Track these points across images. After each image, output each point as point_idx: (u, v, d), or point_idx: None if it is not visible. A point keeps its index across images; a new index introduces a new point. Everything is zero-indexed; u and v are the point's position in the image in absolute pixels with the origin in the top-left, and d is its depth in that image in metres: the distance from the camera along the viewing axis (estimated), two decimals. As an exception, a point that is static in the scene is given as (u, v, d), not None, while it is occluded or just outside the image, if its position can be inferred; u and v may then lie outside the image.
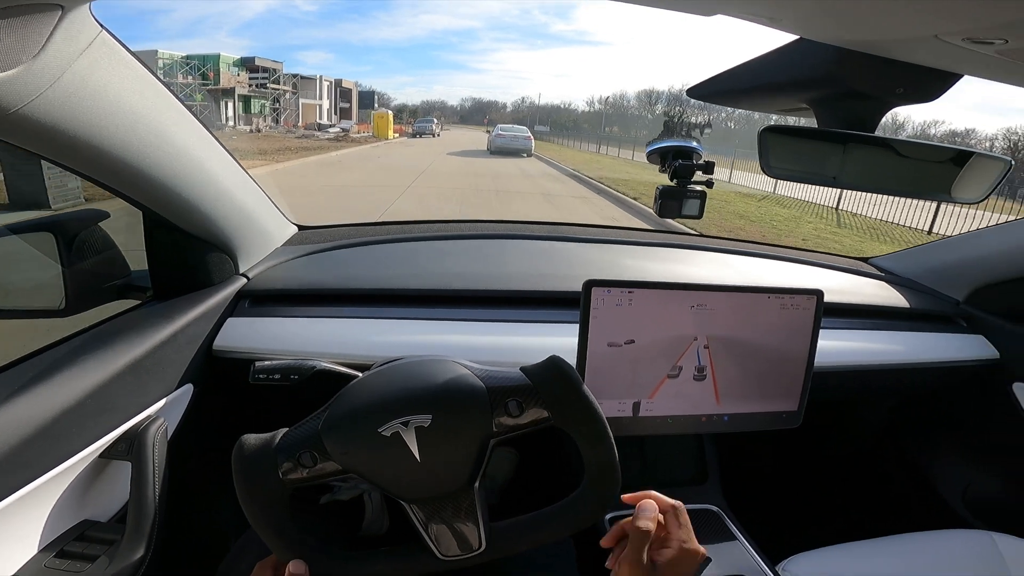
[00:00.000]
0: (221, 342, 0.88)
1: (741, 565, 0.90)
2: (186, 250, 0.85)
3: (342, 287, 1.00)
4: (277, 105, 35.56)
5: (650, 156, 1.07)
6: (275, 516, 0.55)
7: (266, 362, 0.71)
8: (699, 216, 1.02)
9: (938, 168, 0.61)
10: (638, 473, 1.11)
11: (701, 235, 1.43)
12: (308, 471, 0.55)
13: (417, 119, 49.13)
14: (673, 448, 1.14)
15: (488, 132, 31.48)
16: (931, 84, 0.52)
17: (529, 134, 22.96)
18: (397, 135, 32.42)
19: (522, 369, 0.60)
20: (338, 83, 46.85)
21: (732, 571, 0.88)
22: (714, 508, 1.04)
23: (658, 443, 1.12)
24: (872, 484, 1.50)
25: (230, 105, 30.12)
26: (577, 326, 0.82)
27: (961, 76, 0.51)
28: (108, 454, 0.67)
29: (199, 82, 28.04)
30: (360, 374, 0.65)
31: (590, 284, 0.82)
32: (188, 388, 0.82)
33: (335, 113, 45.69)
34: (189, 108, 0.71)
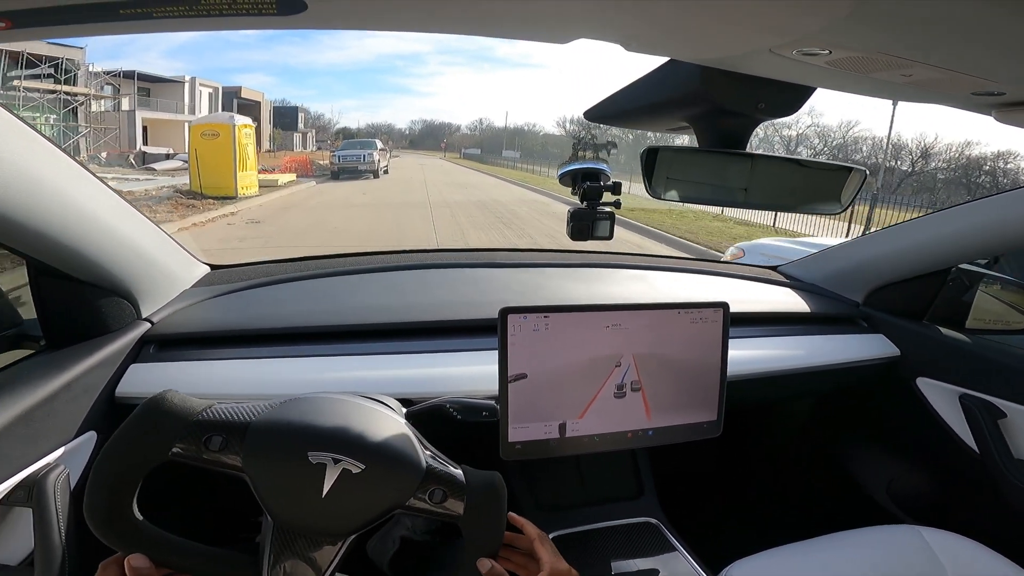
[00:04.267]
0: (124, 389, 0.84)
1: (682, 575, 0.91)
2: (77, 297, 0.81)
3: (255, 327, 0.96)
4: (73, 121, 17.50)
5: (562, 179, 1.10)
6: (125, 488, 0.51)
7: None
8: (609, 237, 1.05)
9: (800, 181, 0.66)
10: (575, 490, 1.10)
11: (618, 253, 1.47)
12: (203, 454, 0.52)
13: (345, 141, 27.65)
14: (608, 464, 1.15)
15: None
16: (787, 98, 0.57)
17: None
18: (292, 178, 15.83)
19: (463, 468, 0.60)
20: (234, 93, 29.17)
21: None
22: (652, 521, 1.05)
23: (593, 459, 1.13)
24: (804, 486, 1.55)
25: None
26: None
27: (813, 89, 0.56)
28: (8, 501, 0.66)
29: None
30: None
31: (506, 312, 0.82)
32: (91, 436, 0.79)
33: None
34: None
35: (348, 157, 18.78)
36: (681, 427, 0.95)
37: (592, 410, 0.90)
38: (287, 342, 0.95)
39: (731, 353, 0.94)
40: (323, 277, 1.14)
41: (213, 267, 1.16)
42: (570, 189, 1.09)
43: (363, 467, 0.54)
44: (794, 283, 1.41)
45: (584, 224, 1.05)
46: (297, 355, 0.92)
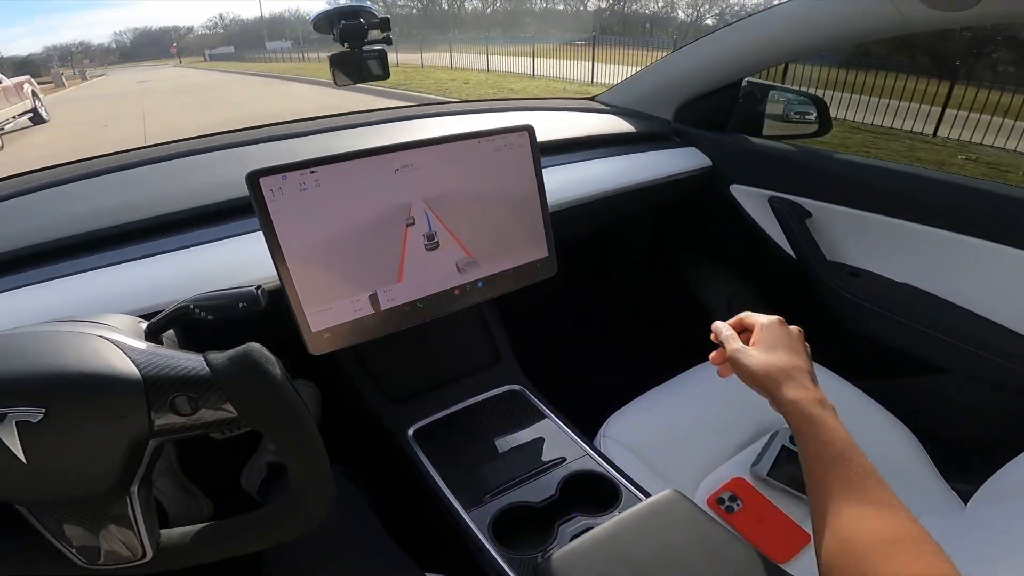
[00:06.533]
0: None
1: (559, 442, 0.87)
2: None
3: None
4: None
5: (316, 25, 0.91)
6: None
7: None
8: (385, 76, 0.91)
9: None
10: (429, 372, 1.01)
11: (415, 105, 1.31)
12: None
13: None
14: (457, 334, 1.06)
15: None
16: None
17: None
18: None
19: (205, 356, 0.44)
20: None
21: (554, 454, 0.84)
22: (516, 387, 0.99)
23: (439, 333, 1.00)
24: (661, 322, 1.60)
25: None
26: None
27: None
28: None
29: None
30: None
31: (255, 175, 0.65)
32: None
33: None
34: None
35: None
36: (512, 271, 0.87)
37: (406, 272, 0.78)
38: None
39: (555, 182, 0.87)
40: (24, 195, 0.84)
41: None
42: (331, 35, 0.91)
43: (43, 409, 0.39)
44: (611, 108, 1.39)
45: (351, 67, 0.89)
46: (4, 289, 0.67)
